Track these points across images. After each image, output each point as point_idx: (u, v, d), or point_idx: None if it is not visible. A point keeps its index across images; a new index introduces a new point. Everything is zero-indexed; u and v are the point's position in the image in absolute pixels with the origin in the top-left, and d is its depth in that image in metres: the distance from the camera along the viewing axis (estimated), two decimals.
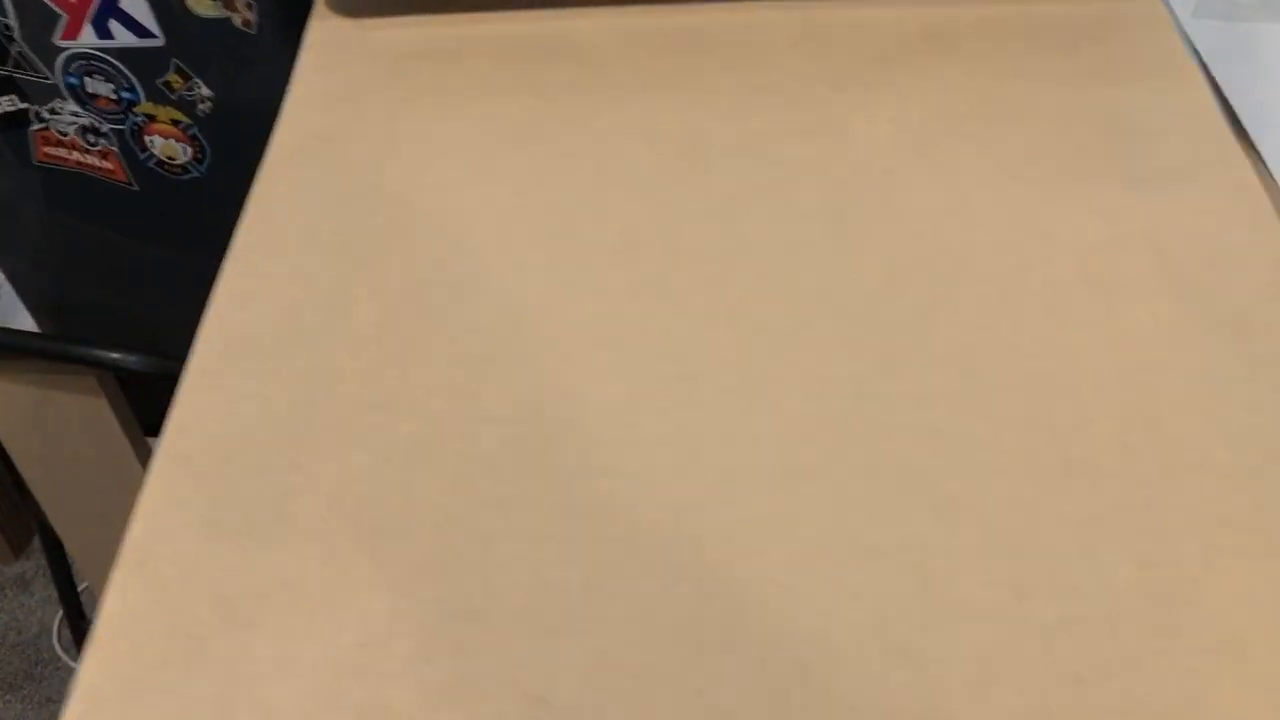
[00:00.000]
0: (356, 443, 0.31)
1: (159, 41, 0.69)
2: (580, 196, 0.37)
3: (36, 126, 0.76)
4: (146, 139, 0.75)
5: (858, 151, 0.38)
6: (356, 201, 0.38)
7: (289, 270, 0.35)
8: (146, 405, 0.85)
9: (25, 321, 0.95)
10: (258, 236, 0.36)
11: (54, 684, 1.18)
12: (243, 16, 0.67)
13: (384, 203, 0.38)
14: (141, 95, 0.73)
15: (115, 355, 0.71)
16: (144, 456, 0.78)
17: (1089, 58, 0.40)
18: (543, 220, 0.37)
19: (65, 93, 0.74)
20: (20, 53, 0.71)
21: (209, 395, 0.32)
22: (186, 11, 0.67)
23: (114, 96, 0.73)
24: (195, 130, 0.74)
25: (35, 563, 1.26)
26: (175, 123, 0.74)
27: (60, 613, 1.20)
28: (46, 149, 0.78)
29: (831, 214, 0.36)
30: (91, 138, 0.77)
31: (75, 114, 0.75)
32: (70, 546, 0.95)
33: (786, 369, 0.32)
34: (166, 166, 0.77)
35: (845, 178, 0.37)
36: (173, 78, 0.71)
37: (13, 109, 0.75)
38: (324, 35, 0.44)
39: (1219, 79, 0.40)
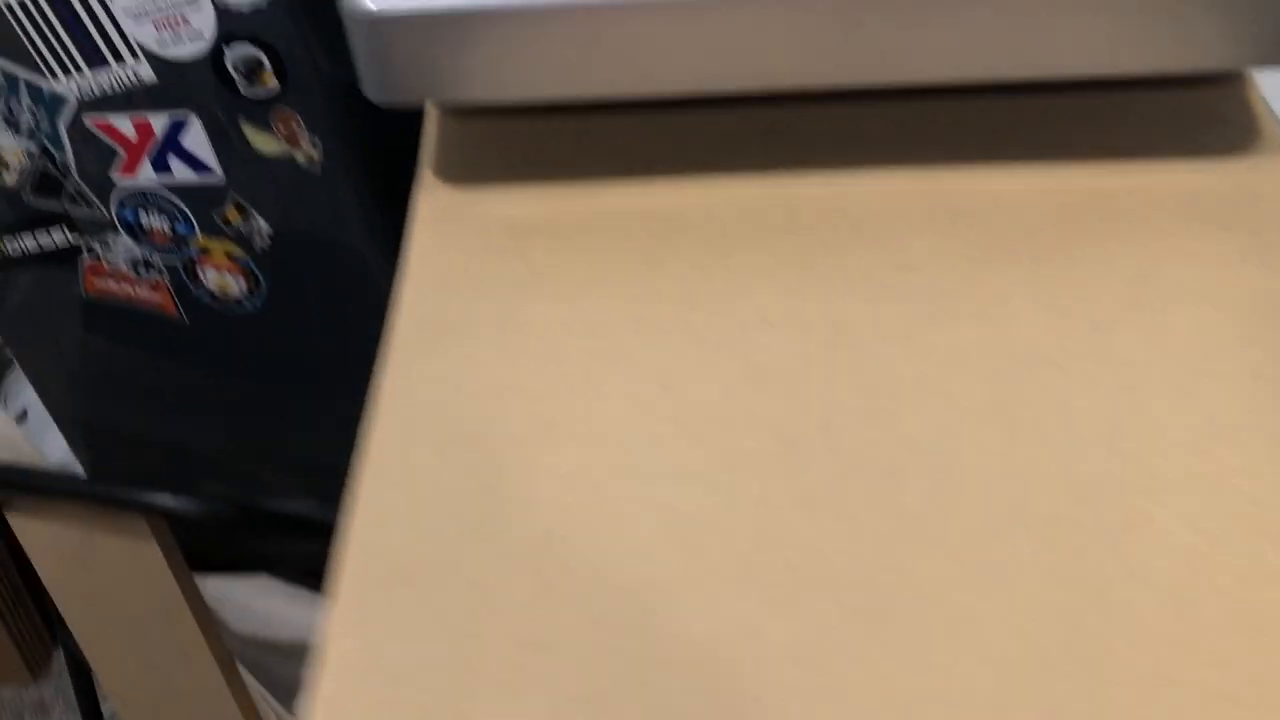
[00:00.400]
0: (523, 691, 0.29)
1: (219, 179, 0.68)
2: (725, 391, 0.36)
3: (87, 259, 0.74)
4: (200, 272, 0.74)
5: (1015, 339, 0.36)
6: (491, 399, 0.36)
7: (427, 481, 0.33)
8: (193, 539, 0.82)
9: (57, 442, 0.93)
10: (390, 443, 0.34)
11: None
12: (306, 154, 0.66)
13: (519, 400, 0.36)
14: (197, 229, 0.71)
15: (171, 501, 0.69)
16: (191, 595, 0.76)
17: (1246, 235, 0.39)
18: (690, 419, 0.35)
19: (119, 227, 0.72)
20: (76, 188, 0.70)
21: (359, 631, 0.30)
22: (249, 148, 0.66)
23: (169, 231, 0.72)
24: (251, 264, 0.73)
25: (55, 685, 1.22)
26: (230, 256, 0.72)
27: None
28: (96, 281, 0.76)
29: (999, 411, 0.34)
30: (142, 269, 0.75)
31: (128, 248, 0.73)
32: (102, 676, 0.92)
33: (984, 600, 0.30)
34: (219, 300, 0.75)
35: (1007, 369, 0.35)
36: (230, 212, 0.70)
37: (65, 245, 0.73)
38: (434, 208, 0.42)
39: None
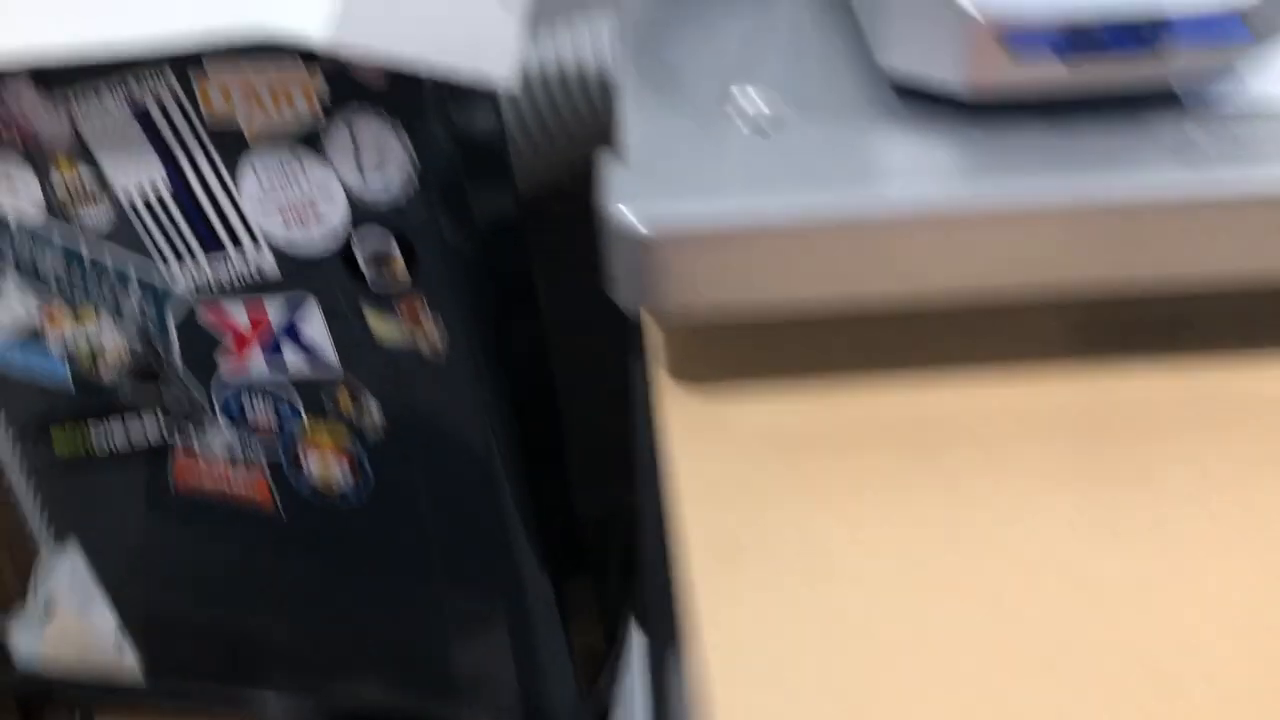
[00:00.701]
0: None
1: (335, 369, 0.65)
2: (1065, 614, 0.33)
3: (181, 455, 0.71)
4: (303, 459, 0.70)
5: None
6: (821, 633, 0.33)
7: None
8: None
9: (102, 615, 0.88)
10: (733, 690, 0.32)
11: None
12: (430, 342, 0.63)
13: (849, 634, 0.33)
14: (304, 415, 0.68)
15: (283, 704, 0.64)
16: None
17: None
18: (1042, 649, 0.33)
19: (221, 419, 0.69)
20: (176, 377, 0.66)
21: None
22: (369, 336, 0.63)
23: (274, 421, 0.68)
24: (361, 454, 0.69)
25: None
26: (338, 444, 0.69)
27: None
28: (188, 476, 0.72)
29: None
30: (239, 459, 0.71)
31: (226, 437, 0.70)
32: None
33: None
34: (321, 494, 0.71)
35: None
36: (343, 398, 0.67)
37: (157, 440, 0.69)
38: (685, 417, 0.40)
39: None
